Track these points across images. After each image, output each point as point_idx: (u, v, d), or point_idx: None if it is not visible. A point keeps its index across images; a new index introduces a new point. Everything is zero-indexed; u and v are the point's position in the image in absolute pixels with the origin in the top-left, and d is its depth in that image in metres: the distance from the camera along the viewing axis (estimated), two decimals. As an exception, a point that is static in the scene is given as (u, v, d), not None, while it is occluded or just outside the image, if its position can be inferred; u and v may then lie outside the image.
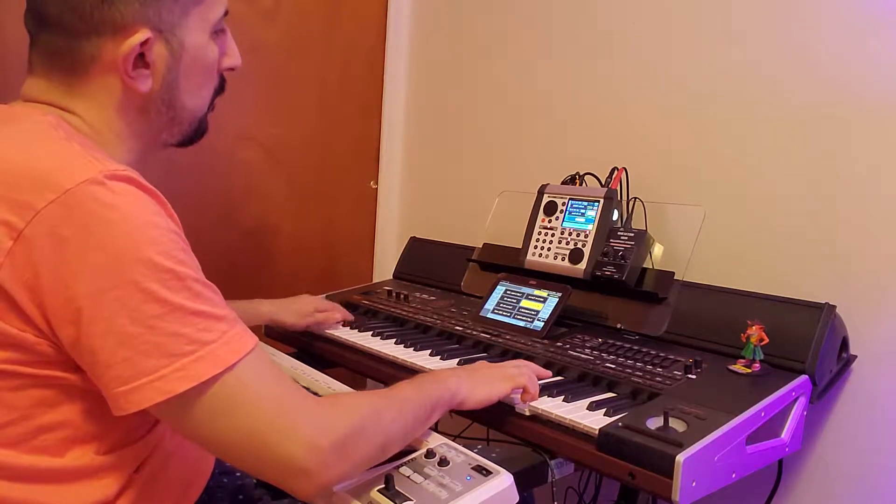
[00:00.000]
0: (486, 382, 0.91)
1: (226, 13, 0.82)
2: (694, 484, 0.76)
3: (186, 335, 0.63)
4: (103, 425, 0.69)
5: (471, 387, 0.89)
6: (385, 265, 1.96)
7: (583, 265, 1.22)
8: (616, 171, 1.31)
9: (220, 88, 0.87)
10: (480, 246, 1.48)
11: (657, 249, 1.23)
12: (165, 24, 0.75)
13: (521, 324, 1.21)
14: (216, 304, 0.67)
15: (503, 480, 0.76)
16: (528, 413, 0.91)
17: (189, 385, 0.63)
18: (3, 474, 0.65)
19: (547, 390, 0.95)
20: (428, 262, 1.62)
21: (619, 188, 1.29)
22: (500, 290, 1.30)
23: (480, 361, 1.00)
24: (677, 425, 0.81)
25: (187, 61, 0.78)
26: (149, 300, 0.62)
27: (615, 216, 1.26)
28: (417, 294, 1.50)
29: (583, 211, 1.26)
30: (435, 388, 0.85)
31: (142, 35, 0.72)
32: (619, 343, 1.11)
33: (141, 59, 0.74)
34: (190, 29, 0.77)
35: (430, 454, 0.81)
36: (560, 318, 1.19)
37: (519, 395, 0.93)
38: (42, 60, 0.75)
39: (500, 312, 1.26)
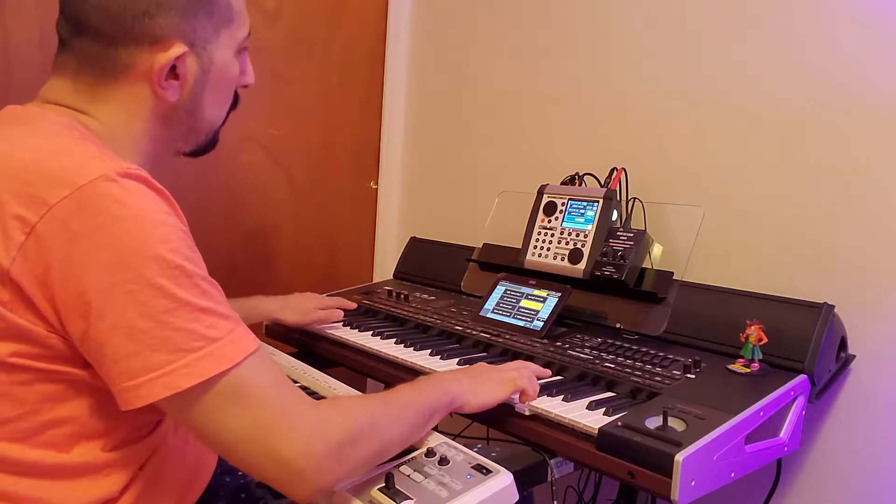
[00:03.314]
0: (485, 386, 0.91)
1: (249, 34, 0.86)
2: (693, 483, 0.76)
3: (194, 331, 0.64)
4: (110, 422, 0.70)
5: (470, 391, 0.89)
6: (385, 265, 1.96)
7: (582, 265, 1.23)
8: (615, 172, 1.31)
9: (234, 103, 0.90)
10: (480, 246, 1.49)
11: (656, 249, 1.24)
12: (199, 39, 0.78)
13: (521, 323, 1.21)
14: (222, 303, 0.68)
15: (503, 479, 0.77)
16: (527, 413, 0.92)
17: (195, 381, 0.63)
18: (10, 469, 0.66)
19: (546, 390, 0.95)
20: (428, 262, 1.63)
21: (618, 188, 1.30)
22: (499, 290, 1.30)
23: (480, 364, 1.00)
24: (676, 425, 0.82)
25: (214, 76, 0.82)
26: (158, 295, 0.63)
27: (614, 216, 1.26)
28: (417, 294, 1.50)
29: (582, 211, 1.27)
30: (434, 392, 0.85)
31: (178, 49, 0.76)
32: (618, 343, 1.12)
33: (172, 71, 0.77)
34: (220, 46, 0.81)
35: (430, 453, 0.81)
36: (559, 318, 1.19)
37: (518, 397, 0.93)
38: (72, 64, 0.77)
39: (500, 312, 1.26)
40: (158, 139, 0.82)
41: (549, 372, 1.02)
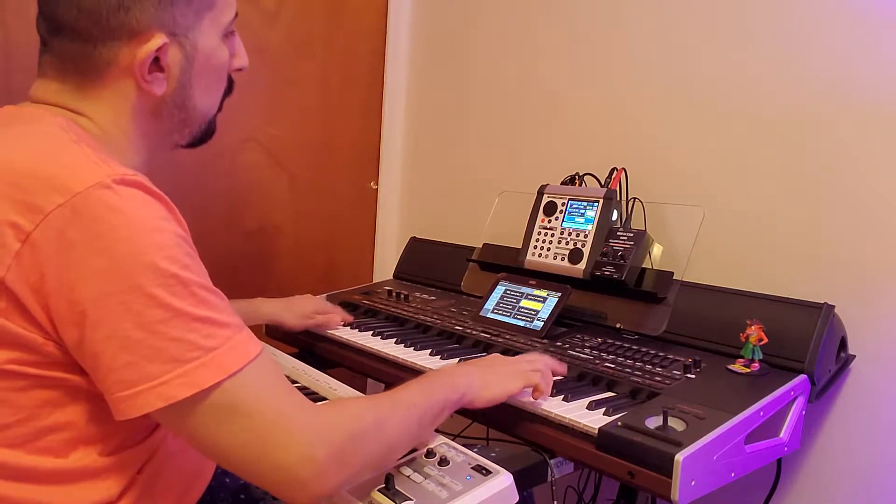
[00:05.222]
0: (497, 380, 0.89)
1: (235, 16, 0.84)
2: (693, 483, 0.76)
3: (190, 341, 0.63)
4: (107, 427, 0.69)
5: (481, 385, 0.88)
6: (385, 265, 1.96)
7: (582, 265, 1.23)
8: (615, 172, 1.31)
9: (229, 89, 0.88)
10: (480, 246, 1.49)
11: (656, 249, 1.24)
12: (180, 27, 0.76)
13: (521, 323, 1.21)
14: (221, 311, 0.67)
15: (503, 480, 0.77)
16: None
17: (191, 391, 0.62)
18: (7, 474, 0.66)
19: (547, 390, 0.95)
20: (428, 262, 1.63)
21: (618, 188, 1.30)
22: (499, 290, 1.30)
23: (494, 355, 0.99)
24: (676, 424, 0.82)
25: (200, 64, 0.79)
26: (153, 305, 0.62)
27: (615, 216, 1.26)
28: (417, 294, 1.50)
29: (582, 211, 1.27)
30: (443, 388, 0.83)
31: (158, 40, 0.73)
32: (618, 343, 1.12)
33: (156, 63, 0.75)
34: (203, 32, 0.78)
35: (430, 454, 0.81)
36: (559, 318, 1.19)
37: (530, 392, 0.91)
38: (55, 64, 0.76)
39: (500, 312, 1.26)
40: (152, 134, 0.80)
41: (565, 367, 0.99)
